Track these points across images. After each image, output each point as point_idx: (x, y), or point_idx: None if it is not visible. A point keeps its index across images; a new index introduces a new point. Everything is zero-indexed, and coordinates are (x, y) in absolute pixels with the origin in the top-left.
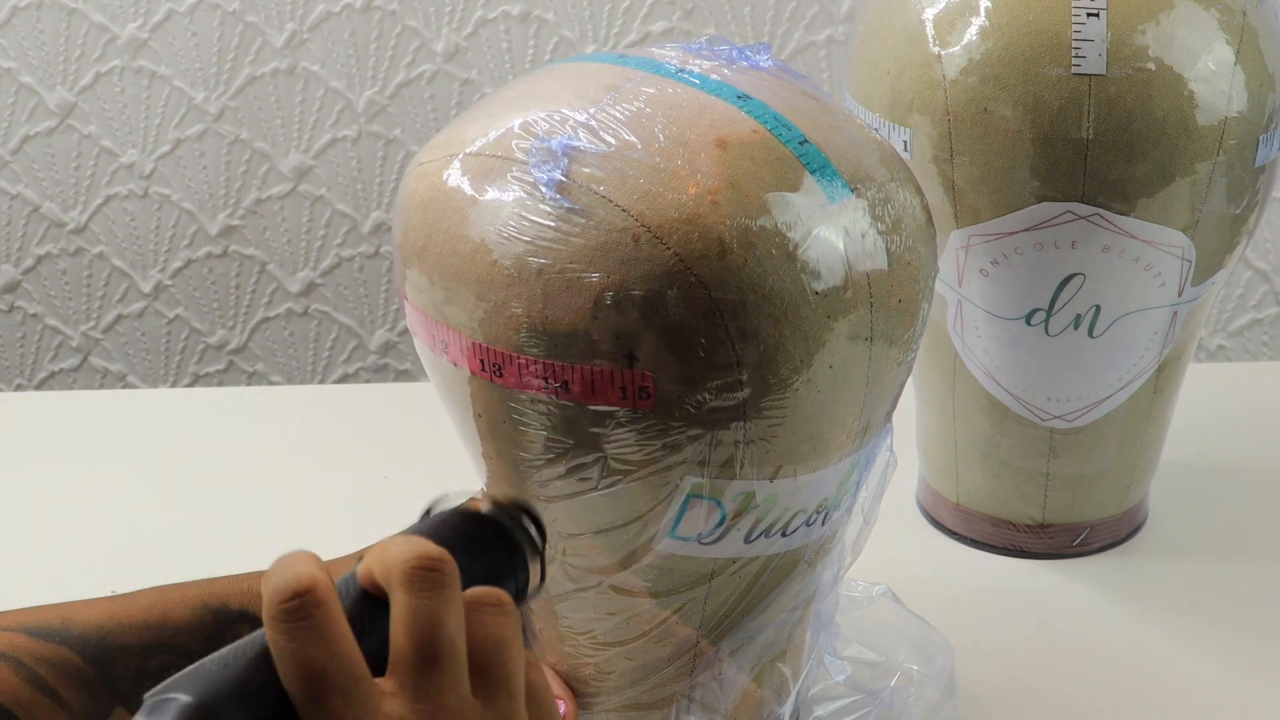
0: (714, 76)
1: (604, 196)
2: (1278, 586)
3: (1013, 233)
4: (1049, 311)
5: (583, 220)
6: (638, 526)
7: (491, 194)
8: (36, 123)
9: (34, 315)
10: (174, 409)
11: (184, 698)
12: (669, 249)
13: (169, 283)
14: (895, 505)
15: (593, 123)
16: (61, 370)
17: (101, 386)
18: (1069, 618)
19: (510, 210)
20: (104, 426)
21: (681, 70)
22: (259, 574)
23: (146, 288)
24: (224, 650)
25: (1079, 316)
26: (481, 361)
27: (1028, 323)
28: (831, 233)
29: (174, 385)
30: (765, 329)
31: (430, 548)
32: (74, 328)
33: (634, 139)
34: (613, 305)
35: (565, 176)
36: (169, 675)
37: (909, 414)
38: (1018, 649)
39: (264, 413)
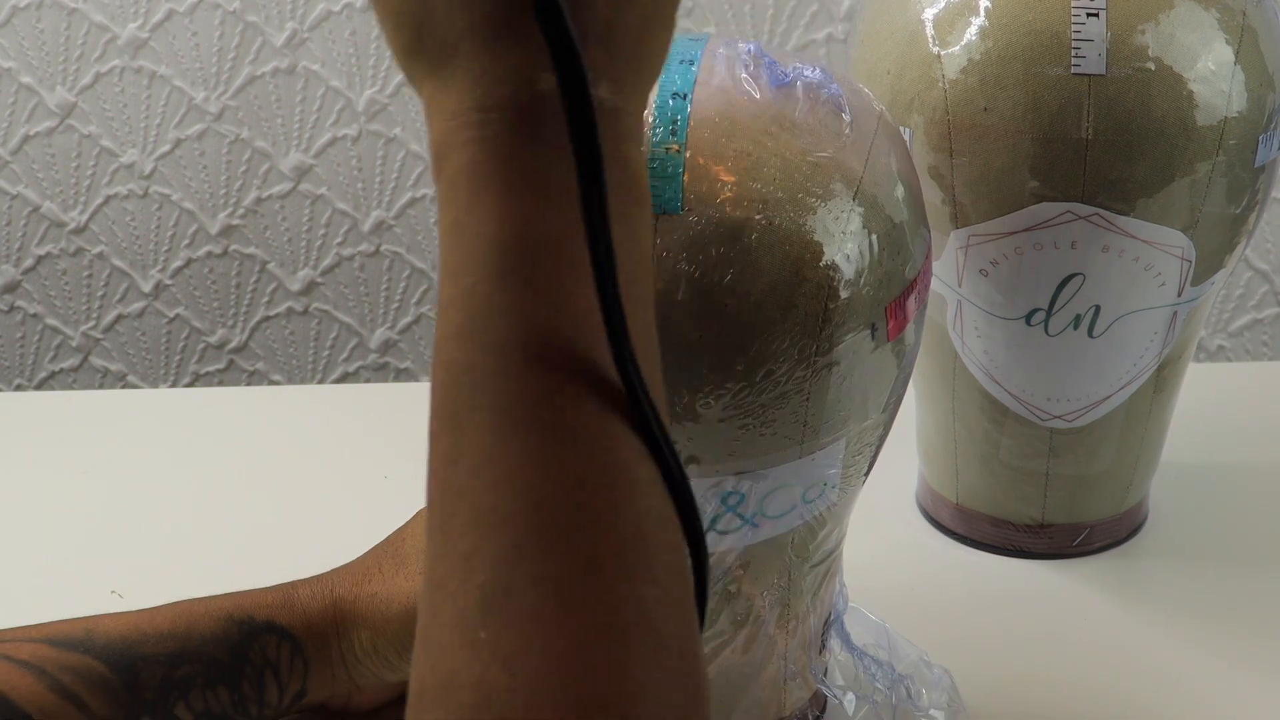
0: (696, 72)
1: None
2: (1278, 587)
3: (1013, 233)
4: (1049, 311)
5: None
6: None
7: None
8: (36, 123)
9: (34, 315)
10: (174, 409)
11: None
12: None
13: (169, 282)
14: (895, 505)
15: None
16: (61, 370)
17: (101, 386)
18: (1069, 618)
19: None
20: (104, 426)
21: (684, 60)
22: (282, 586)
23: (146, 287)
24: None
25: (1079, 316)
26: None
27: (1028, 323)
28: None
29: (174, 385)
30: None
31: None
32: (74, 328)
33: None
34: None
35: None
36: (195, 684)
37: (909, 414)
38: (1017, 649)
39: (264, 413)
